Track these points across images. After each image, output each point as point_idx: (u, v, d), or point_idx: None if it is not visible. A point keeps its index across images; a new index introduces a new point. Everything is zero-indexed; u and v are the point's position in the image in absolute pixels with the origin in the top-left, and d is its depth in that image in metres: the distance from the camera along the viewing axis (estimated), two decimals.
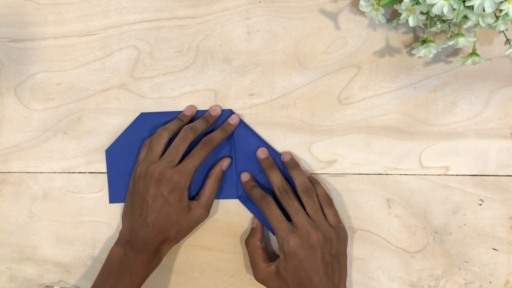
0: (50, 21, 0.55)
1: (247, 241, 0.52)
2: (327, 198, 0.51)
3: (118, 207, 0.55)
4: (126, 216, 0.51)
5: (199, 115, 0.54)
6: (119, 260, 0.49)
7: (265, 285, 0.50)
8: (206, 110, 0.54)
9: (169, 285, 0.55)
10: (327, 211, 0.50)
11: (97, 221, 0.56)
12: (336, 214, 0.51)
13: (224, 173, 0.53)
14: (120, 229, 0.51)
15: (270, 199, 0.50)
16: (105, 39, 0.54)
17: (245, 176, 0.53)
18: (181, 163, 0.50)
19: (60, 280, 0.56)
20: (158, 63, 0.54)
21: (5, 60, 0.55)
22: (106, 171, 0.55)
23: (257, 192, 0.51)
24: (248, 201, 0.53)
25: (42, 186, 0.56)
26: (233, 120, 0.53)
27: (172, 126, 0.52)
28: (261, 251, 0.51)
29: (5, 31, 0.55)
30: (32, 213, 0.56)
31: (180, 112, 0.54)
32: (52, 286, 0.56)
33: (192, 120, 0.54)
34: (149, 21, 0.54)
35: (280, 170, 0.52)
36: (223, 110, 0.53)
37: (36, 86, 0.55)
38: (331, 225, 0.50)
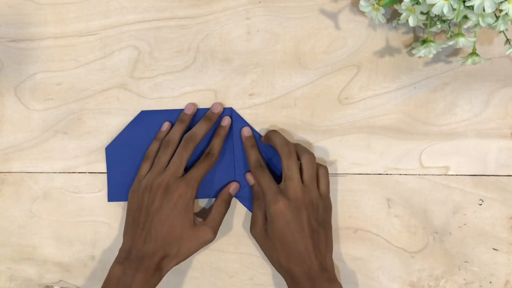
0: (50, 21, 0.55)
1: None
2: (325, 168, 0.51)
3: (118, 207, 0.55)
4: (127, 233, 0.50)
5: (199, 112, 0.54)
6: (117, 280, 0.47)
7: (257, 242, 0.51)
8: (207, 108, 0.54)
9: (169, 285, 0.55)
10: (322, 180, 0.50)
11: (97, 221, 0.56)
12: (328, 184, 0.51)
13: (231, 197, 0.53)
14: (120, 246, 0.50)
15: (265, 167, 0.51)
16: (105, 39, 0.54)
17: (247, 131, 0.53)
18: (187, 173, 0.50)
19: (60, 280, 0.56)
20: (158, 63, 0.54)
21: (5, 60, 0.55)
22: (106, 171, 0.55)
23: (254, 155, 0.52)
24: (246, 200, 0.54)
25: (42, 186, 0.56)
26: (224, 122, 0.53)
27: (176, 134, 0.52)
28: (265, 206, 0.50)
29: (5, 31, 0.55)
30: (32, 213, 0.56)
31: (180, 110, 0.54)
32: (52, 286, 0.56)
33: (193, 118, 0.53)
34: (149, 21, 0.54)
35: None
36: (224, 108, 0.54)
37: (36, 86, 0.55)
38: (320, 194, 0.50)
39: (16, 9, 0.55)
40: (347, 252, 0.53)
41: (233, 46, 0.53)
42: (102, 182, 0.55)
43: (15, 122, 0.56)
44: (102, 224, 0.56)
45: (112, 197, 0.55)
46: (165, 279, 0.55)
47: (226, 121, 0.53)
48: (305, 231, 0.47)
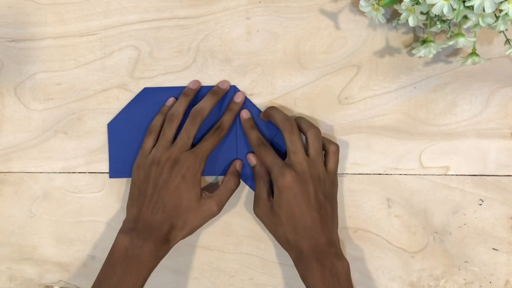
0: (50, 21, 0.55)
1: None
2: (335, 146, 0.51)
3: (118, 207, 0.55)
4: (133, 204, 0.50)
5: (203, 90, 0.53)
6: (125, 250, 0.46)
7: (261, 221, 0.50)
8: (211, 86, 0.53)
9: (169, 285, 0.55)
10: (331, 156, 0.50)
11: (97, 221, 0.56)
12: (336, 162, 0.50)
13: (239, 173, 0.53)
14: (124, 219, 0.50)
15: (267, 145, 0.50)
16: (105, 39, 0.54)
17: (245, 114, 0.53)
18: (195, 146, 0.50)
19: (60, 280, 0.56)
20: (158, 63, 0.54)
21: (5, 60, 0.55)
22: (106, 171, 0.55)
23: (255, 135, 0.51)
24: (248, 179, 0.53)
25: (42, 186, 0.56)
26: (238, 98, 0.53)
27: (180, 108, 0.51)
28: (268, 184, 0.50)
29: (5, 31, 0.55)
30: (32, 213, 0.56)
31: (183, 87, 0.53)
32: (52, 286, 0.56)
33: (197, 95, 0.53)
34: (149, 21, 0.54)
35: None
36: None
37: (36, 86, 0.55)
38: (326, 170, 0.49)
39: (16, 9, 0.55)
40: (347, 252, 0.53)
41: (233, 46, 0.53)
42: (102, 182, 0.55)
43: (15, 122, 0.56)
44: (102, 224, 0.56)
45: (113, 173, 0.55)
46: (165, 279, 0.55)
47: (240, 97, 0.53)
48: (312, 204, 0.47)
